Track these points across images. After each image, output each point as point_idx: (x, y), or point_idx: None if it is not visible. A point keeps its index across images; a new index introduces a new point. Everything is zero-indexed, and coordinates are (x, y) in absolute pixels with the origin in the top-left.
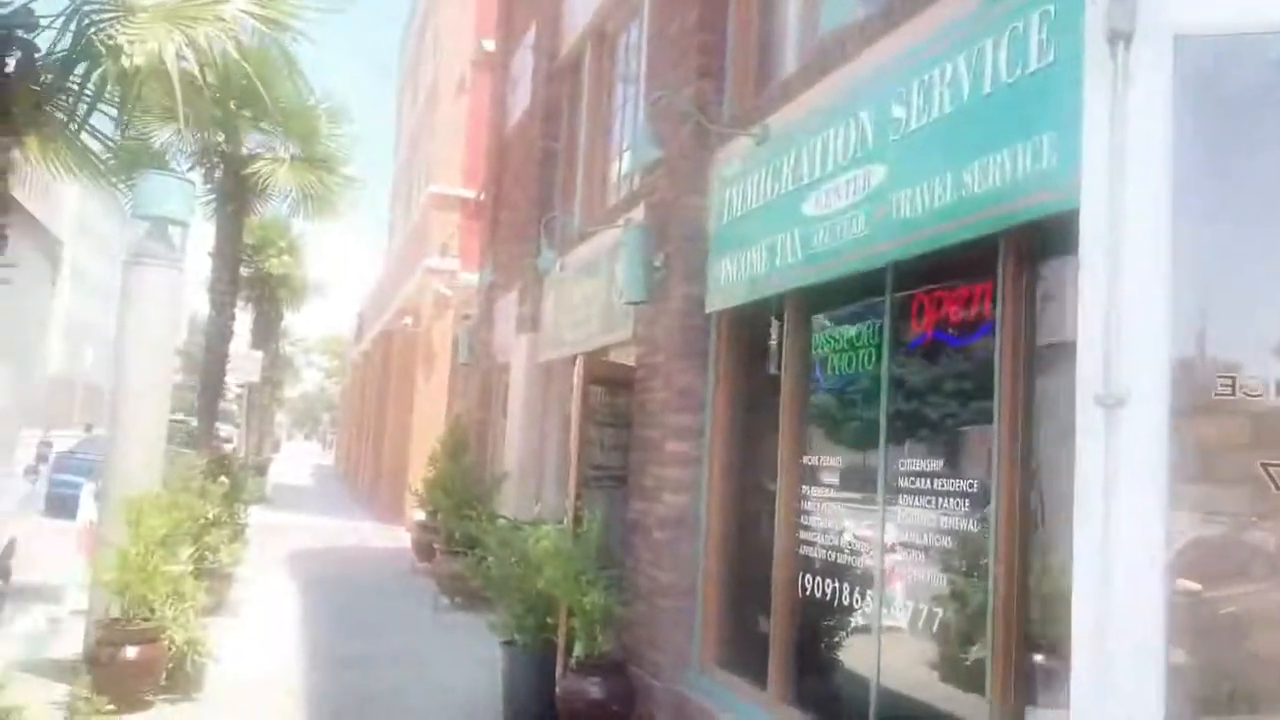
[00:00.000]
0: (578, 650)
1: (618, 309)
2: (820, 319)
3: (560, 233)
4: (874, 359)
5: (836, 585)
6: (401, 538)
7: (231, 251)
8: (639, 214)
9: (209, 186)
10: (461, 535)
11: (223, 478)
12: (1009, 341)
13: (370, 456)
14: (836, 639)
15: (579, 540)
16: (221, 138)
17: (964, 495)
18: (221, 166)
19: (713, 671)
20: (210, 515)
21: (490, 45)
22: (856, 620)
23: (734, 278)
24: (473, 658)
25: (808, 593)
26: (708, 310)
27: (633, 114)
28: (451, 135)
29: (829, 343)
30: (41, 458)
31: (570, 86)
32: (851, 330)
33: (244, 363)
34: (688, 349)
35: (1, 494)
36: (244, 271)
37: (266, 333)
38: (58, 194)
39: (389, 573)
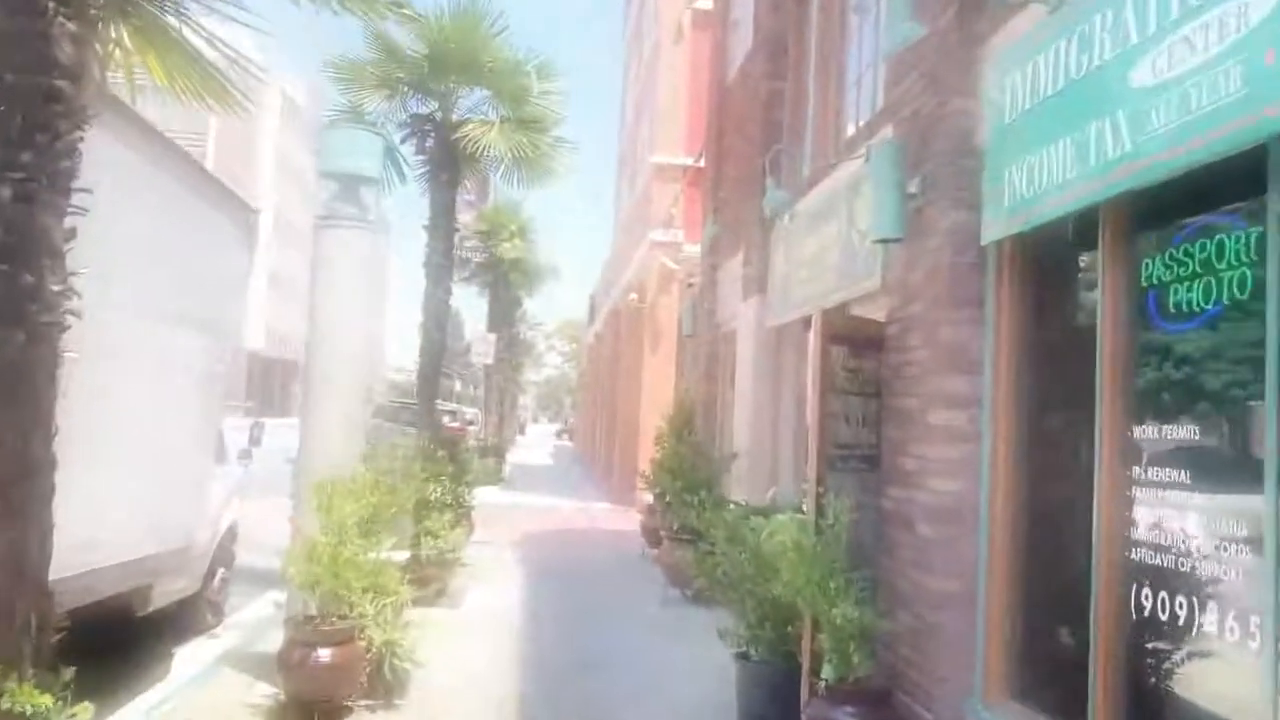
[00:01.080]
0: (827, 671)
1: (861, 254)
2: (1156, 236)
3: (788, 177)
4: (1249, 286)
5: (1194, 601)
6: (633, 520)
7: (445, 223)
8: (886, 136)
9: (422, 158)
10: (686, 523)
11: (440, 456)
12: None
13: (603, 437)
14: (1197, 672)
15: (824, 536)
16: (435, 105)
17: None
18: (433, 134)
19: (1004, 704)
20: (433, 497)
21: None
22: (1226, 648)
23: (1022, 194)
24: (705, 664)
25: (1146, 609)
26: (983, 241)
27: (871, 35)
28: (672, 103)
29: (1172, 268)
30: (255, 440)
31: (796, 15)
32: (1210, 247)
33: (479, 345)
34: (956, 294)
35: (219, 477)
36: (478, 258)
37: (502, 316)
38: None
39: (617, 559)
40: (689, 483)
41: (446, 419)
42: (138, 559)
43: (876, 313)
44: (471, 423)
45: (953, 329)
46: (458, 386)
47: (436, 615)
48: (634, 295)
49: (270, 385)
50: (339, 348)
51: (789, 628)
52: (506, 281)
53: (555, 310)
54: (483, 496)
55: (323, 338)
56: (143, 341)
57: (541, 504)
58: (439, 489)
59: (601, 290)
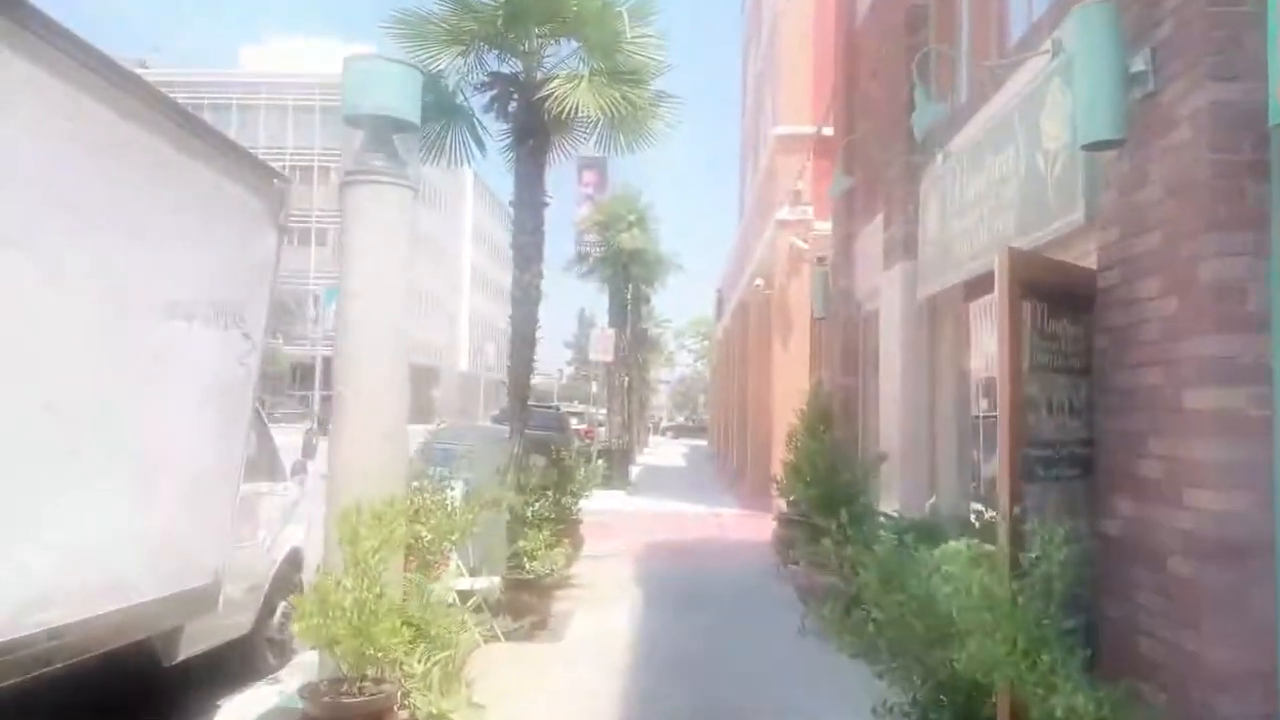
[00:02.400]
0: None
1: (1053, 182)
2: None
3: (938, 107)
4: None
5: None
6: (765, 528)
7: (533, 198)
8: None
9: (506, 126)
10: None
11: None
12: None
13: (735, 437)
14: None
15: (1026, 581)
16: (516, 63)
17: None
18: (515, 97)
19: None
20: (529, 512)
21: None
22: None
23: None
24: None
25: None
26: (1272, 122)
27: None
28: (796, 66)
29: None
30: (309, 451)
31: None
32: None
33: (598, 341)
34: (1222, 210)
35: (273, 495)
36: (596, 251)
37: (623, 311)
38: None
39: (748, 576)
40: (827, 490)
41: (574, 421)
42: (128, 608)
43: (1078, 259)
44: (601, 424)
45: (1220, 264)
46: (594, 388)
47: (531, 652)
48: (760, 281)
49: (419, 391)
50: (371, 334)
51: (979, 708)
52: (626, 274)
53: (685, 308)
54: (605, 502)
55: (351, 324)
56: (115, 334)
57: (668, 510)
58: (536, 502)
59: (728, 282)
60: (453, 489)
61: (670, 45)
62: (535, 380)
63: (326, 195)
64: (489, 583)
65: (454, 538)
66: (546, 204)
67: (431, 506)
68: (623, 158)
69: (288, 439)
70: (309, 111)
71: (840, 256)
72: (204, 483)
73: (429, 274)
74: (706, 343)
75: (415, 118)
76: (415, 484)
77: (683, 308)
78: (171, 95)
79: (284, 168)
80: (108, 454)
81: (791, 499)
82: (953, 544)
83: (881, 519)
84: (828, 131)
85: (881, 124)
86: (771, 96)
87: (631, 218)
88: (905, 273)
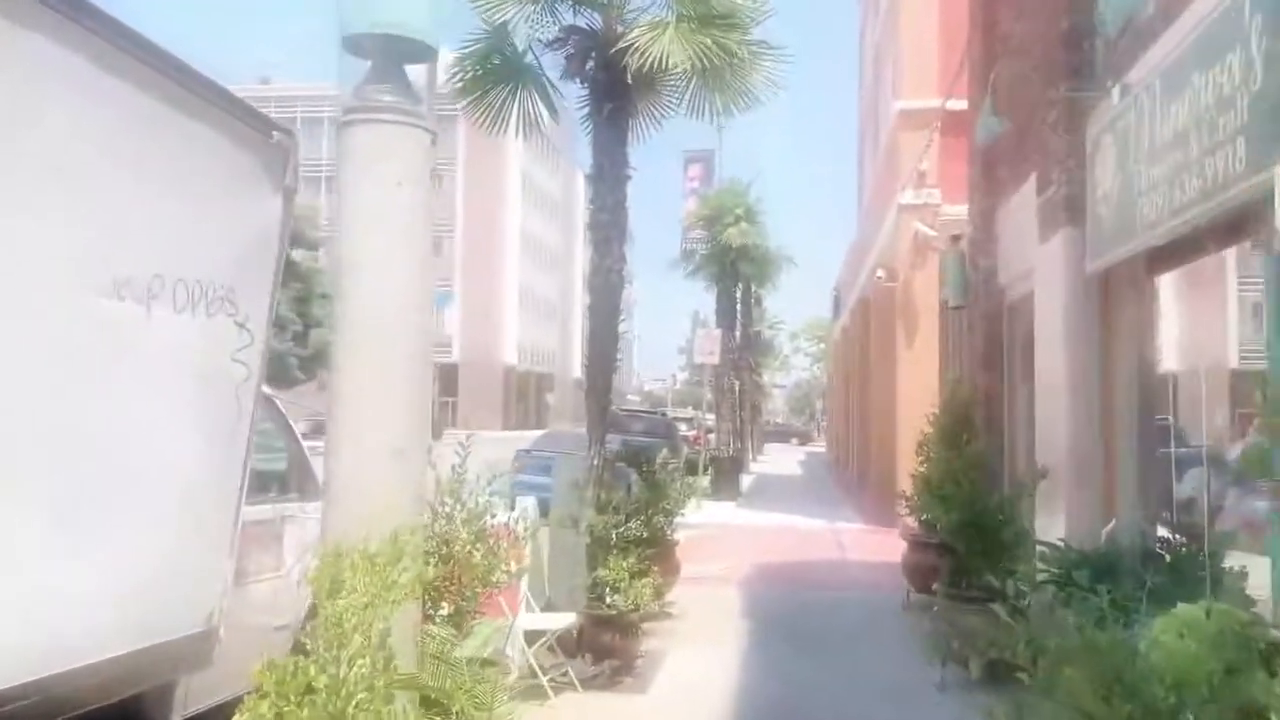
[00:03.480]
0: None
1: None
2: None
3: (1113, 46)
4: None
5: None
6: (892, 548)
7: (614, 170)
8: None
9: (583, 89)
10: (976, 581)
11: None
12: None
13: (855, 444)
14: None
15: None
16: (594, 17)
17: None
18: (593, 54)
19: None
20: (612, 534)
21: None
22: None
23: None
24: None
25: None
26: None
27: None
28: (919, 33)
29: None
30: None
31: None
32: None
33: (702, 342)
34: None
35: (305, 518)
36: (701, 248)
37: (731, 311)
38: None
39: (874, 607)
40: (972, 514)
41: (683, 427)
42: (79, 669)
43: None
44: (710, 431)
45: None
46: (709, 395)
47: (610, 706)
48: (882, 273)
49: (526, 398)
50: (376, 319)
51: None
52: (734, 272)
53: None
54: (713, 514)
55: (351, 306)
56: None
57: (781, 524)
58: (624, 521)
59: (846, 279)
60: (508, 512)
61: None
62: (649, 386)
63: (439, 205)
64: (564, 620)
65: (498, 576)
66: (629, 177)
67: (467, 538)
68: (728, 141)
69: None
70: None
71: (980, 233)
72: (189, 508)
73: (543, 279)
74: (823, 345)
75: (435, 40)
76: (448, 504)
77: (798, 310)
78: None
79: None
80: (44, 471)
81: (924, 518)
82: (1186, 609)
83: (1044, 549)
84: (956, 105)
85: (1033, 62)
86: (892, 68)
87: (739, 211)
88: (1069, 243)
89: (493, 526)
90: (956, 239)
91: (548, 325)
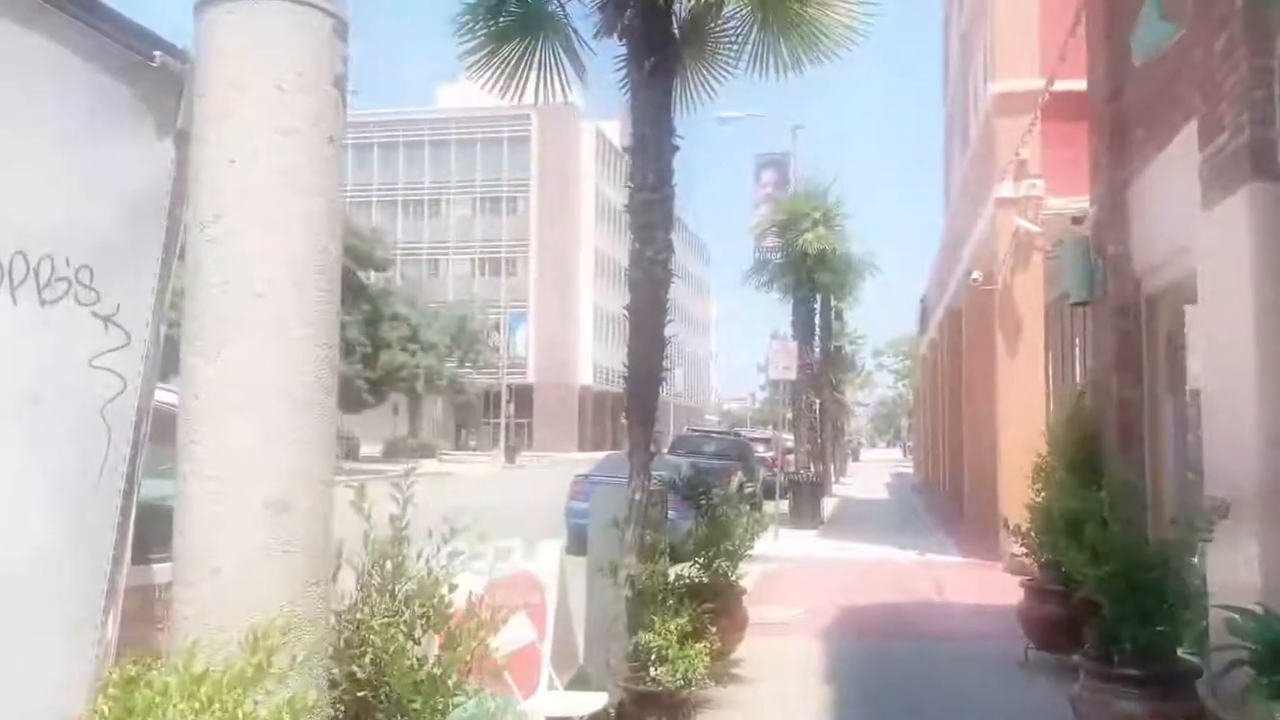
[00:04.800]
0: None
1: None
2: None
3: None
4: None
5: None
6: (998, 588)
7: (656, 139)
8: None
9: (622, 42)
10: (1131, 650)
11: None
12: None
13: (947, 466)
14: None
15: None
16: None
17: None
18: (632, 4)
19: None
20: (663, 584)
21: None
22: None
23: None
24: None
25: None
26: None
27: None
28: (1016, 4)
29: None
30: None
31: None
32: None
33: (778, 356)
34: None
35: None
36: (776, 258)
37: (808, 324)
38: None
39: (985, 666)
40: (1124, 564)
41: (760, 448)
42: None
43: None
44: (789, 451)
45: None
46: (789, 414)
47: None
48: (977, 275)
49: (602, 419)
50: (239, 298)
51: None
52: (811, 281)
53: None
54: (792, 545)
55: (204, 281)
56: None
57: (867, 557)
58: (665, 571)
59: (934, 289)
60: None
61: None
62: (728, 405)
63: (513, 226)
64: (594, 702)
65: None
66: (676, 148)
67: (398, 630)
68: (804, 149)
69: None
70: (497, 143)
71: (1108, 213)
72: (18, 579)
73: (618, 298)
74: (908, 362)
75: None
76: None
77: (881, 326)
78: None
79: (474, 199)
80: None
81: (1045, 559)
82: None
83: (1232, 616)
84: (1062, 85)
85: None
86: (984, 50)
87: (816, 215)
88: (1258, 202)
89: (456, 607)
90: (1078, 222)
91: (623, 345)
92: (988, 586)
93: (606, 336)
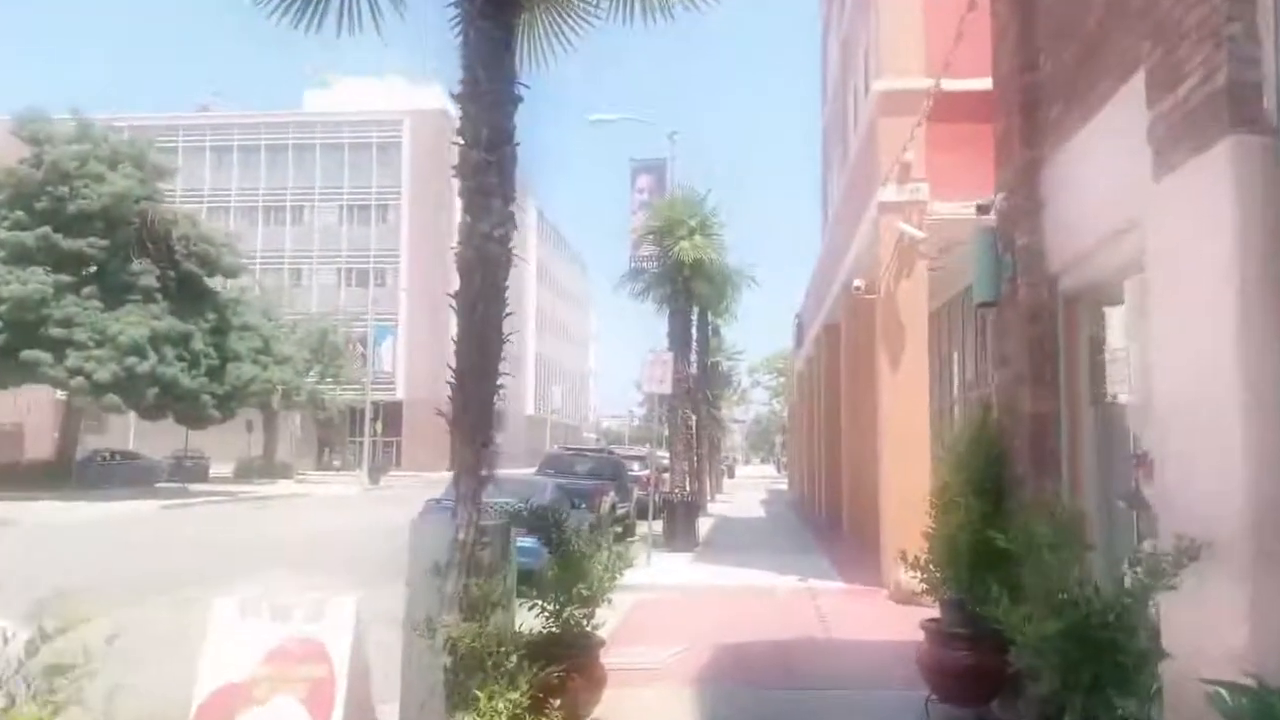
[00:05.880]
0: None
1: None
2: None
3: None
4: None
5: None
6: (884, 619)
7: (491, 82)
8: None
9: None
10: None
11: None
12: None
13: (825, 482)
14: None
15: None
16: None
17: None
18: None
19: None
20: (494, 649)
21: None
22: None
23: None
24: None
25: None
26: None
27: None
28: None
29: None
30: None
31: None
32: None
33: (652, 368)
34: None
35: None
36: (651, 266)
37: (684, 336)
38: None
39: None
40: (1077, 619)
41: (635, 466)
42: None
43: None
44: (665, 469)
45: None
46: (665, 431)
47: None
48: (859, 284)
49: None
50: None
51: None
52: (687, 291)
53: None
54: (664, 572)
55: None
56: None
57: (745, 583)
58: (497, 628)
59: (810, 305)
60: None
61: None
62: (606, 423)
63: (383, 235)
64: None
65: None
66: (519, 98)
67: None
68: (682, 161)
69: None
70: (366, 149)
71: (1019, 199)
72: None
73: None
74: (783, 379)
75: None
76: None
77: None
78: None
79: (341, 207)
80: None
81: (948, 597)
82: None
83: (1218, 691)
84: (952, 85)
85: None
86: (868, 48)
87: (693, 222)
88: (1239, 158)
89: None
90: (984, 211)
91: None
92: (874, 618)
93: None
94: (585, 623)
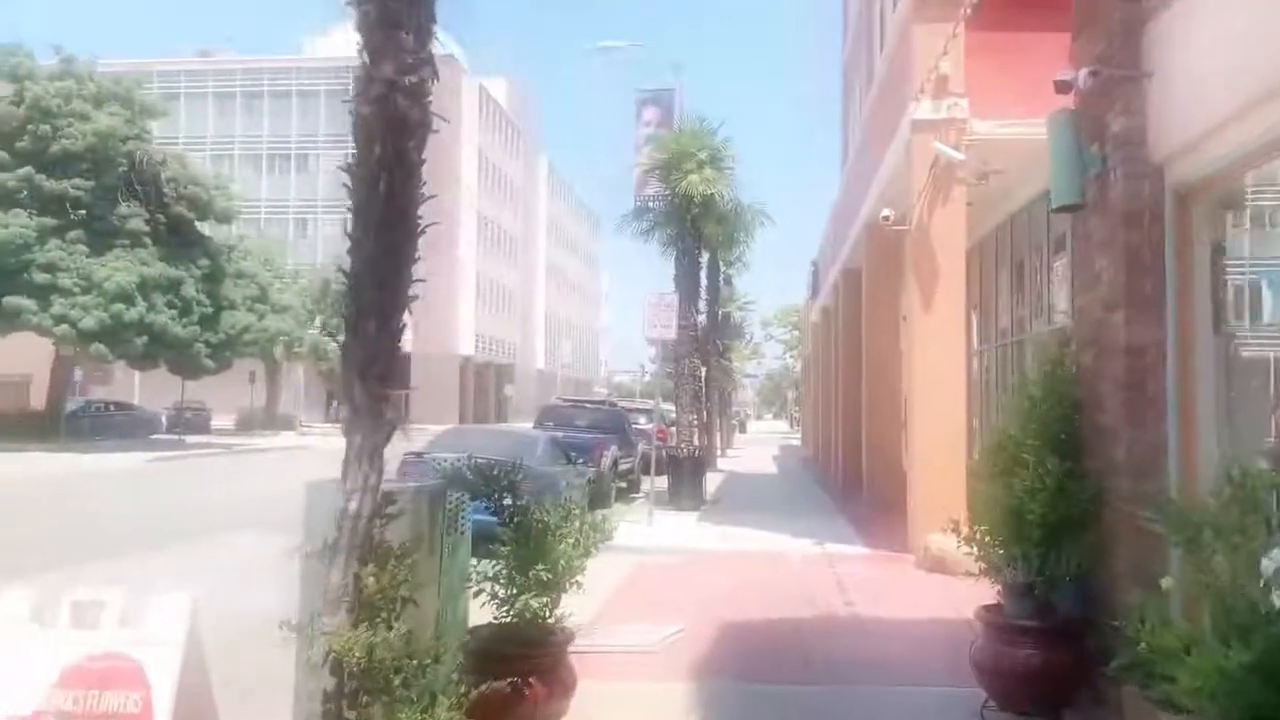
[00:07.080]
0: None
1: None
2: None
3: None
4: None
5: None
6: (913, 588)
7: None
8: None
9: None
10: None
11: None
12: None
13: (841, 439)
14: None
15: None
16: None
17: None
18: None
19: None
20: (400, 663)
21: None
22: None
23: None
24: None
25: None
26: None
27: None
28: None
29: None
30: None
31: None
32: None
33: (655, 312)
34: None
35: None
36: (657, 204)
37: (692, 279)
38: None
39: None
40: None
41: (642, 420)
42: None
43: None
44: (673, 424)
45: None
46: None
47: None
48: (888, 214)
49: (485, 391)
50: None
51: None
52: (695, 229)
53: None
54: (667, 533)
55: None
56: None
57: (756, 548)
58: (405, 634)
59: (828, 251)
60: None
61: None
62: (618, 378)
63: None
64: None
65: None
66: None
67: None
68: (690, 90)
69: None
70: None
71: (1114, 66)
72: None
73: (502, 266)
74: (796, 333)
75: None
76: None
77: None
78: None
79: (347, 154)
80: None
81: (1012, 581)
82: None
83: None
84: None
85: None
86: None
87: (702, 155)
88: None
89: None
90: (1063, 89)
91: (508, 315)
92: (902, 590)
93: (490, 306)
94: (546, 613)
